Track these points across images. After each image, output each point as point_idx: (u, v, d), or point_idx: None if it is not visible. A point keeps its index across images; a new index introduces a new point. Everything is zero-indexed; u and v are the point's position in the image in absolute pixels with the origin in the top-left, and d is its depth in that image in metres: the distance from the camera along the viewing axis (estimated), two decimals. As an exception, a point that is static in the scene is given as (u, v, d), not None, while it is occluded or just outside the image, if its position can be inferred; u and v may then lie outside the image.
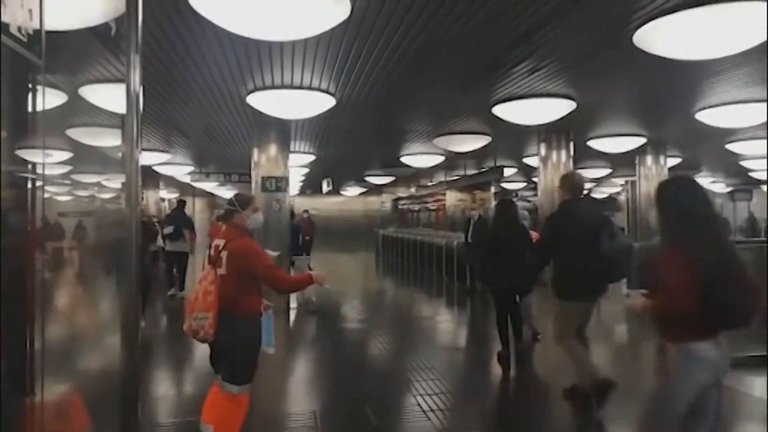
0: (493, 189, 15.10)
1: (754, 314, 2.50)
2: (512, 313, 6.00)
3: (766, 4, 4.18)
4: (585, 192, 4.87)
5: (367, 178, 19.09)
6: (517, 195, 25.13)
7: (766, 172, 15.31)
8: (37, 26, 2.33)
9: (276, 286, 3.55)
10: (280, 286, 3.61)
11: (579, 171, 12.29)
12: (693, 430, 2.56)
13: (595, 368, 4.59)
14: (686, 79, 6.80)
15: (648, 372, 4.63)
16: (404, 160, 13.35)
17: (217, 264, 3.45)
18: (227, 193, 21.25)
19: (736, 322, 2.50)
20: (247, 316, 3.44)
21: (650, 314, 2.67)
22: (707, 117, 8.27)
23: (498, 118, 8.13)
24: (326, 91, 6.97)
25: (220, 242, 3.51)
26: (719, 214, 2.72)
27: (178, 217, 10.65)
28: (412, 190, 24.45)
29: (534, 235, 7.23)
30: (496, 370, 6.16)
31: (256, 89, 6.85)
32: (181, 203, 11.25)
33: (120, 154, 2.84)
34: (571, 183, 4.80)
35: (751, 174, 17.56)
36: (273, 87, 6.74)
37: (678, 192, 2.64)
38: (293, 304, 9.41)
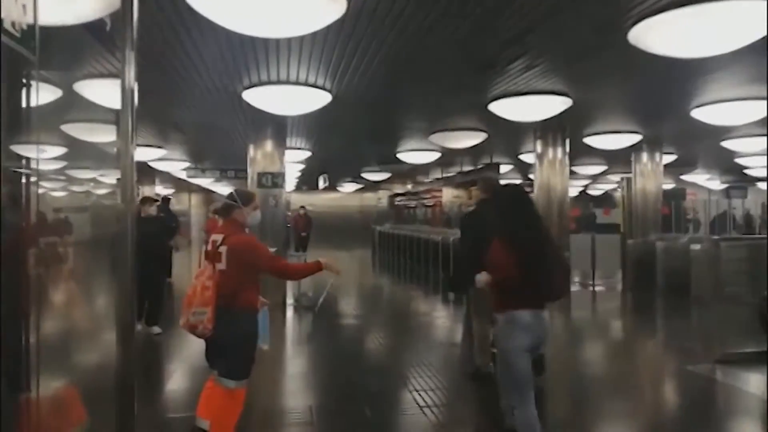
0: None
1: (563, 291, 3.46)
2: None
3: (765, 2, 4.20)
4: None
5: (364, 175, 19.08)
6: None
7: (766, 170, 15.35)
8: (31, 21, 2.32)
9: (284, 275, 3.65)
10: (288, 275, 3.71)
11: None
12: (527, 386, 3.16)
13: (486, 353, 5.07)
14: (681, 77, 6.81)
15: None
16: (400, 156, 13.35)
17: (216, 259, 3.45)
18: (223, 188, 21.23)
19: (549, 296, 3.30)
20: (245, 311, 3.46)
21: (489, 289, 3.26)
22: (702, 114, 8.29)
23: (494, 114, 8.13)
24: (322, 87, 6.96)
25: (218, 237, 3.51)
26: (539, 213, 3.49)
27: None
28: (409, 186, 24.46)
29: None
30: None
31: (252, 85, 6.83)
32: (166, 200, 12.01)
33: (115, 150, 2.83)
34: (487, 184, 5.21)
35: (746, 171, 17.62)
36: (269, 83, 6.73)
37: (507, 197, 3.40)
38: (289, 300, 9.41)
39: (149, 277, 6.52)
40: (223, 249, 3.45)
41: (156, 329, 7.09)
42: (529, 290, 3.10)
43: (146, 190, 19.82)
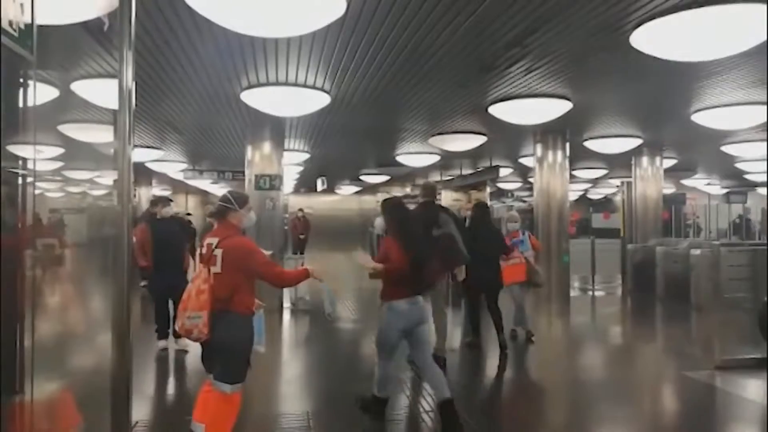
0: (488, 189, 15.08)
1: (433, 284, 4.95)
2: (489, 307, 6.54)
3: (765, 6, 4.17)
4: (437, 198, 6.52)
5: (362, 177, 19.04)
6: (512, 195, 25.17)
7: (765, 175, 15.37)
8: (29, 21, 2.29)
9: (276, 281, 3.60)
10: (281, 282, 3.69)
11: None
12: (391, 353, 4.17)
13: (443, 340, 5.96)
14: (682, 81, 6.80)
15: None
16: (399, 159, 13.33)
17: (211, 262, 3.41)
18: (220, 190, 21.18)
19: (421, 288, 4.16)
20: (240, 315, 3.42)
21: (382, 280, 4.11)
22: (703, 118, 8.27)
23: (494, 117, 8.11)
24: (321, 89, 6.93)
25: (213, 240, 3.47)
26: (421, 219, 4.88)
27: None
28: (408, 189, 24.42)
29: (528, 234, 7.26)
30: (490, 370, 6.15)
31: (250, 86, 6.80)
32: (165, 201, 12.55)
33: (112, 151, 2.80)
34: (427, 190, 6.05)
35: (746, 176, 17.63)
36: (268, 84, 6.70)
37: (393, 207, 4.39)
38: (286, 304, 9.36)
39: (173, 285, 5.49)
40: (218, 252, 3.41)
41: (184, 343, 6.03)
42: (406, 282, 4.01)
43: (143, 192, 19.80)
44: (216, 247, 3.43)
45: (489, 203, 12.99)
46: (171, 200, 6.93)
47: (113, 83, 2.72)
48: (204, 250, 3.49)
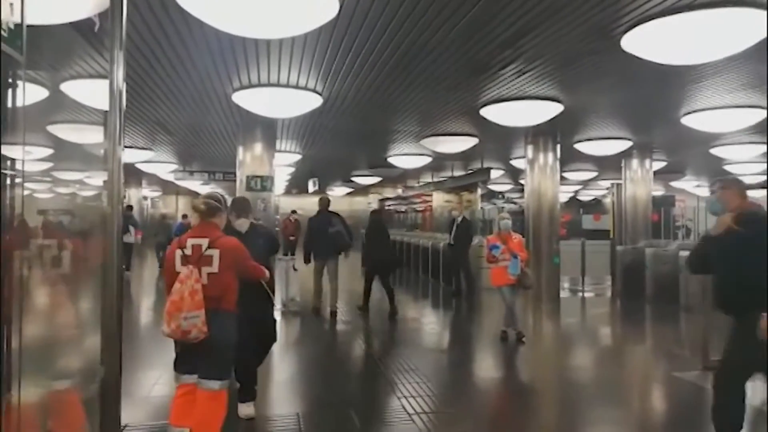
0: (480, 190, 15.13)
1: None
2: (383, 282, 9.06)
3: (754, 10, 4.22)
4: (329, 206, 9.12)
5: (354, 178, 19.05)
6: (503, 197, 25.24)
7: (766, 177, 15.49)
8: (18, 20, 2.27)
9: (256, 274, 3.75)
10: (256, 275, 3.78)
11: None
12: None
13: (319, 298, 8.99)
14: (673, 84, 6.85)
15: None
16: (391, 160, 13.34)
17: (204, 262, 3.40)
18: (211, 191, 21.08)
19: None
20: (230, 313, 3.51)
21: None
22: (693, 121, 8.34)
23: (485, 119, 8.13)
24: (313, 90, 6.92)
25: (201, 241, 3.46)
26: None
27: (127, 217, 13.51)
28: (399, 190, 24.43)
29: (518, 237, 7.22)
30: (482, 372, 6.16)
31: (242, 87, 6.79)
32: (129, 208, 15.45)
33: (102, 151, 2.78)
34: (323, 202, 9.15)
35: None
36: (259, 85, 6.68)
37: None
38: (277, 305, 9.33)
39: (261, 320, 4.43)
40: (213, 252, 3.42)
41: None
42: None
43: (133, 193, 19.70)
44: (209, 248, 3.42)
45: (473, 209, 12.93)
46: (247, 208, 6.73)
47: (104, 84, 2.70)
48: (189, 251, 3.47)
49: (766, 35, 4.48)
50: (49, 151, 6.74)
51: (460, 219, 10.90)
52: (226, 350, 3.50)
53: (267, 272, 3.95)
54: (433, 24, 4.81)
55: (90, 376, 2.77)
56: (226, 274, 3.46)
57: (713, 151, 11.82)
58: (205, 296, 3.33)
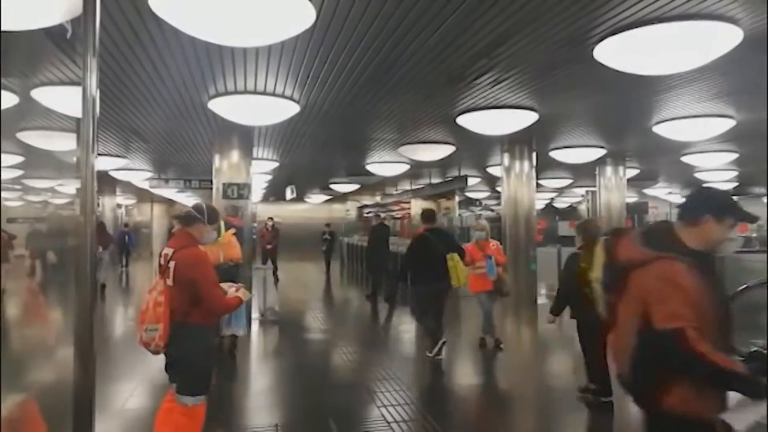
0: (457, 198, 15.21)
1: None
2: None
3: (724, 24, 4.33)
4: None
5: (332, 186, 18.99)
6: (481, 204, 25.41)
7: (766, 180, 15.83)
8: (-12, 26, 2.22)
9: (214, 304, 3.34)
10: (218, 306, 3.40)
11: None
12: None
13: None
14: (644, 94, 6.98)
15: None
16: (369, 168, 13.34)
17: (166, 274, 3.34)
18: (187, 199, 20.86)
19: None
20: (198, 327, 3.34)
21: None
22: (664, 130, 8.51)
23: (462, 127, 8.19)
24: (290, 98, 6.90)
25: (170, 251, 3.41)
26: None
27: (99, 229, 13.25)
28: (378, 198, 24.45)
29: (495, 243, 7.28)
30: (461, 379, 6.18)
31: (218, 94, 6.73)
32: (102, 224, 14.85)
33: (75, 159, 2.74)
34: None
35: (705, 186, 18.14)
36: (236, 92, 6.63)
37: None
38: (255, 315, 9.25)
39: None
40: (171, 264, 3.33)
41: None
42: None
43: (107, 201, 19.39)
44: (171, 259, 3.36)
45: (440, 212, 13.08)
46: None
47: (77, 90, 2.66)
48: (162, 261, 3.43)
49: (733, 47, 4.61)
50: (20, 159, 6.60)
51: (376, 223, 11.18)
52: (194, 365, 3.35)
53: (230, 304, 3.52)
54: (410, 33, 4.83)
55: (60, 388, 2.71)
56: (181, 287, 3.27)
57: (684, 159, 12.07)
58: (172, 308, 3.24)
